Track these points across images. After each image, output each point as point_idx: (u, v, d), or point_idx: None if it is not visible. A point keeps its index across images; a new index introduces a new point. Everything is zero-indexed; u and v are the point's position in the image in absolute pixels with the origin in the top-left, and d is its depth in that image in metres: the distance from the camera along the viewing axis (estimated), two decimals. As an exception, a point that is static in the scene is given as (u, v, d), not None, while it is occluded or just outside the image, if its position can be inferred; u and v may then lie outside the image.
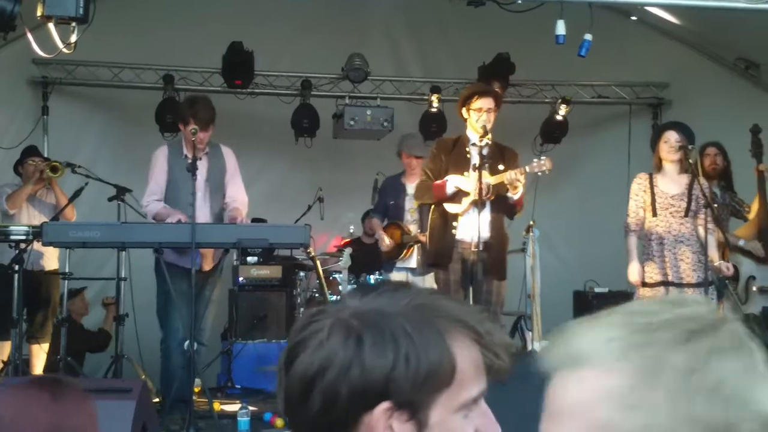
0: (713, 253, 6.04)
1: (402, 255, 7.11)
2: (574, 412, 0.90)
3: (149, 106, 8.61)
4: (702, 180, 5.91)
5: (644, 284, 5.97)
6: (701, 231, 5.89)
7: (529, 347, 7.27)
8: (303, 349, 1.06)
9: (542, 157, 5.75)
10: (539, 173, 5.72)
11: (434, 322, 1.06)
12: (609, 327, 0.92)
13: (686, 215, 5.96)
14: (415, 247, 7.05)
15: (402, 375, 1.02)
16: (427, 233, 6.17)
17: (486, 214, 5.74)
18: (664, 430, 0.85)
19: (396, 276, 7.13)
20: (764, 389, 0.88)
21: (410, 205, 7.11)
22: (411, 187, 7.03)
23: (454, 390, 1.05)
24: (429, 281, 6.97)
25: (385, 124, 8.68)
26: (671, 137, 6.00)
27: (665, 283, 5.92)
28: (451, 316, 1.08)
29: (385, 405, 1.03)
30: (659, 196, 5.98)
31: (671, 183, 6.02)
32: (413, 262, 7.11)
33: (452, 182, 5.81)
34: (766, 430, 0.87)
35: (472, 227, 5.71)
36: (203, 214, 5.76)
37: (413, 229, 7.05)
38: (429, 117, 9.14)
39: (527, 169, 5.64)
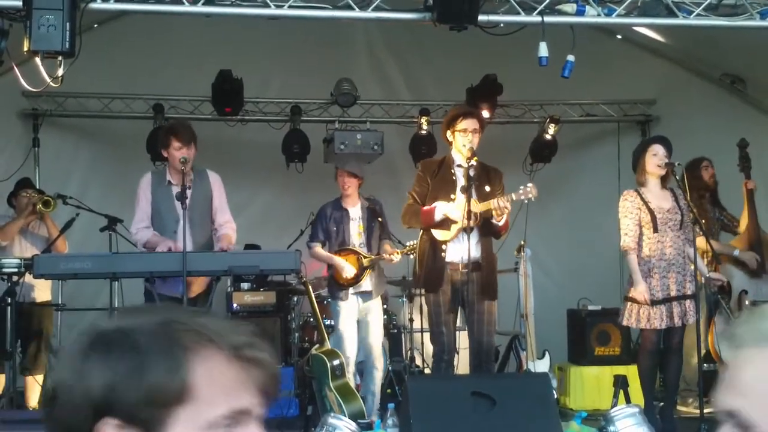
0: (702, 267, 6.07)
1: (361, 279, 6.81)
2: (756, 388, 0.92)
3: (140, 136, 8.64)
4: (680, 194, 5.95)
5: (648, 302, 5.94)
6: (689, 246, 5.91)
7: (525, 366, 7.28)
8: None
9: (528, 185, 5.73)
10: (525, 200, 5.73)
11: (178, 337, 1.03)
12: None
13: (680, 228, 5.98)
14: (370, 270, 6.79)
15: (124, 390, 1.00)
16: (416, 256, 6.18)
17: (474, 236, 5.76)
18: None
19: (345, 306, 6.82)
20: None
21: (356, 228, 6.91)
22: (353, 210, 6.91)
23: (193, 407, 1.01)
24: (376, 307, 6.86)
25: (376, 147, 8.72)
26: (659, 150, 6.00)
27: (668, 300, 5.90)
28: (202, 332, 1.05)
29: (111, 421, 1.00)
30: (657, 211, 5.95)
31: (661, 198, 6.04)
32: (367, 285, 6.84)
33: (440, 210, 5.83)
34: None
35: (462, 249, 5.73)
36: (186, 242, 5.67)
37: (364, 252, 6.83)
38: (419, 139, 9.19)
39: (513, 197, 5.65)
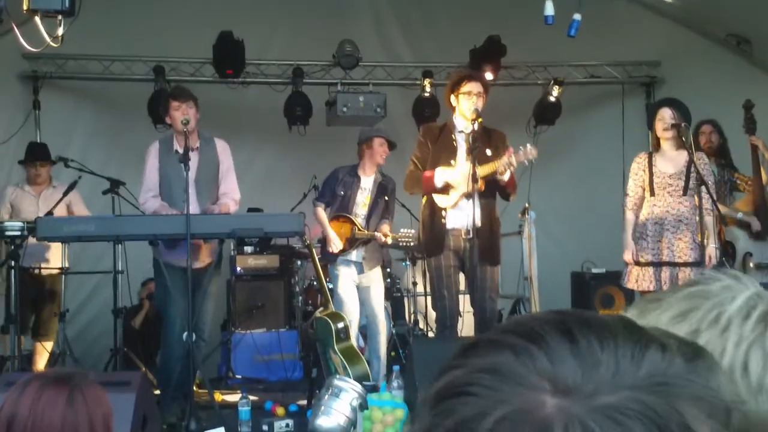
0: (709, 236, 5.98)
1: (352, 250, 6.72)
2: None
3: (140, 98, 8.58)
4: (698, 156, 5.86)
5: (636, 263, 5.93)
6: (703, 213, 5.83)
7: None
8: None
9: (528, 145, 5.65)
10: (526, 162, 5.65)
11: (682, 413, 0.65)
12: None
13: (684, 194, 5.90)
14: (362, 244, 6.71)
15: None
16: (419, 224, 6.15)
17: (476, 201, 5.68)
18: None
19: (343, 270, 6.74)
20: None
21: (363, 198, 6.78)
22: (366, 180, 6.79)
23: None
24: (375, 275, 6.81)
25: (378, 110, 8.67)
26: (665, 114, 5.93)
27: (657, 263, 5.87)
28: (698, 401, 0.67)
29: None
30: (657, 175, 5.92)
31: (669, 162, 5.95)
32: (356, 256, 6.73)
33: (440, 176, 5.76)
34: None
35: (464, 215, 5.69)
36: (192, 211, 5.54)
37: (361, 223, 6.72)
38: (422, 102, 9.12)
39: (513, 160, 5.58)
